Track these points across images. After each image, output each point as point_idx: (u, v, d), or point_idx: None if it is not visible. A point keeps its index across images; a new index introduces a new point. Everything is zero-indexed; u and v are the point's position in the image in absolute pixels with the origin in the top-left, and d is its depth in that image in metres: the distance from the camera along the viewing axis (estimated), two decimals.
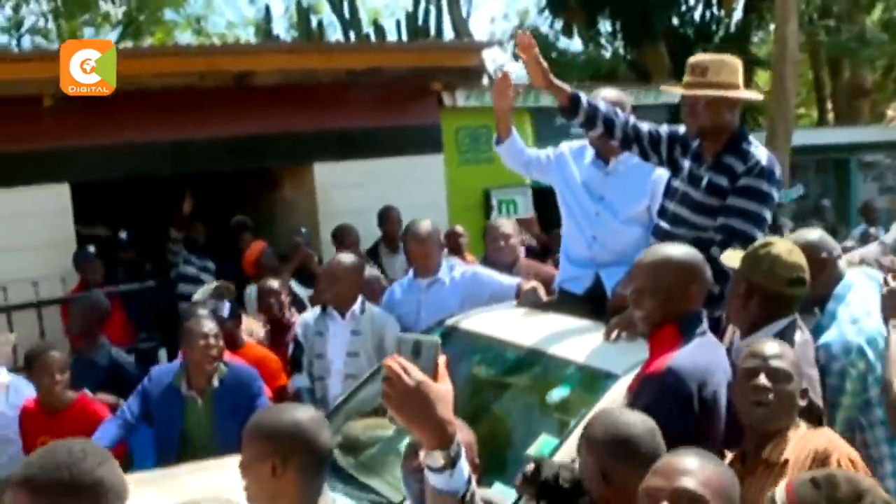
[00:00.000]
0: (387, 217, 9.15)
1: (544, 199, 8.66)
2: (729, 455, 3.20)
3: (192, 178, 10.00)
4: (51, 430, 5.31)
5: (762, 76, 22.10)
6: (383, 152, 10.30)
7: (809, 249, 3.79)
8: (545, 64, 4.65)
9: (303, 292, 8.10)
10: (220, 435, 5.25)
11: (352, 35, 21.52)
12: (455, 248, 8.20)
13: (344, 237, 8.74)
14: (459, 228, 8.80)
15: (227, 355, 5.77)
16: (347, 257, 6.14)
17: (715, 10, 21.88)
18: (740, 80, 4.44)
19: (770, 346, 3.24)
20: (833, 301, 3.86)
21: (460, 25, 22.68)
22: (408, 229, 6.27)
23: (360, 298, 5.94)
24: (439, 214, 9.96)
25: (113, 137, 9.08)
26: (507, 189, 11.32)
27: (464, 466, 2.12)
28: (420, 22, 21.60)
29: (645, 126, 4.78)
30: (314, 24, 22.75)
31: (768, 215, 4.32)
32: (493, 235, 6.94)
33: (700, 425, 3.27)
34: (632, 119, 4.80)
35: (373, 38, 20.74)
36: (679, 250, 3.71)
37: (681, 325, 3.53)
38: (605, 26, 22.91)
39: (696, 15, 22.14)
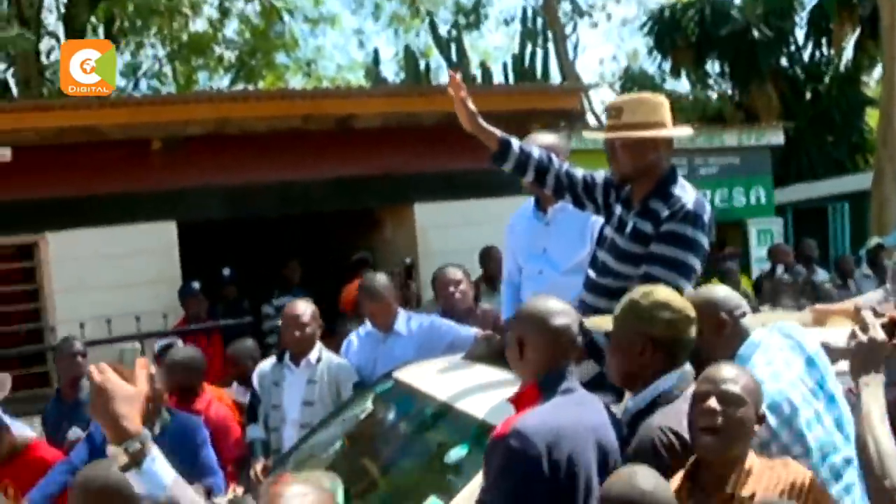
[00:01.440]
0: (489, 256, 9.10)
1: None
2: (676, 479, 3.03)
3: (295, 217, 10.21)
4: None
5: (873, 116, 21.63)
6: (483, 193, 10.29)
7: (710, 307, 3.52)
8: (473, 107, 4.39)
9: None
10: None
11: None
12: None
13: None
14: None
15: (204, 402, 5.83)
16: (308, 305, 5.88)
17: (824, 49, 21.59)
18: (664, 117, 4.11)
19: (726, 370, 3.09)
20: (737, 362, 3.46)
21: (567, 67, 22.76)
22: (362, 287, 6.01)
23: (317, 346, 5.78)
24: None
25: (219, 178, 9.37)
26: None
27: (159, 472, 2.24)
28: (526, 64, 21.74)
29: (579, 172, 4.45)
30: (422, 66, 23.02)
31: (695, 263, 4.00)
32: (443, 282, 6.53)
33: (553, 488, 3.05)
34: (566, 165, 4.49)
35: (479, 80, 20.92)
36: (529, 304, 3.51)
37: (539, 383, 3.30)
38: (712, 67, 22.80)
39: (805, 55, 21.87)
